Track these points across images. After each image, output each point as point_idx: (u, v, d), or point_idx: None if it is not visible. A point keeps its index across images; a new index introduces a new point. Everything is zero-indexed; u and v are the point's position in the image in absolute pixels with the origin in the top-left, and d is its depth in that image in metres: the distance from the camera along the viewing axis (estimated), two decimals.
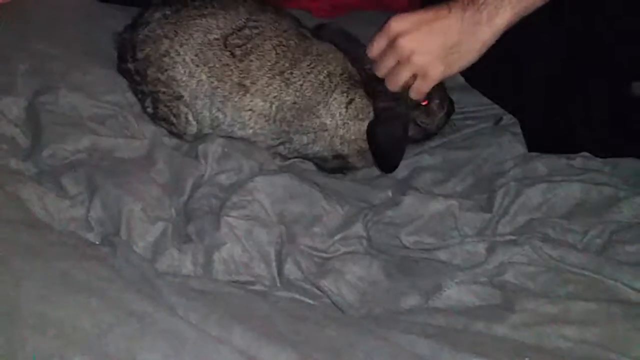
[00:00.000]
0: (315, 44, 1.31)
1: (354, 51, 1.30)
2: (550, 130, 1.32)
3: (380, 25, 1.23)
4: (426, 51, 1.19)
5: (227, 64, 1.26)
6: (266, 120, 1.27)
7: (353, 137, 1.29)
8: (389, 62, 1.22)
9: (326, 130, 1.28)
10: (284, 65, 1.27)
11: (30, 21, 1.38)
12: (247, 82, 1.26)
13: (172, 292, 0.94)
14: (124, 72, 1.32)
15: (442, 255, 1.12)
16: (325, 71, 1.28)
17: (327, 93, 1.27)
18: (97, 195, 1.10)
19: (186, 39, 1.27)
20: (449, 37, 1.18)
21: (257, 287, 1.05)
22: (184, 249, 1.07)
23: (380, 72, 1.23)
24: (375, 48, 1.22)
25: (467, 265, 1.10)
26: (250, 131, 1.28)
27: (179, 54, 1.27)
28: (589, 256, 1.08)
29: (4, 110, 1.21)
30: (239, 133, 1.28)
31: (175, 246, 1.07)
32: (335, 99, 1.28)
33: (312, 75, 1.27)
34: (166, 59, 1.27)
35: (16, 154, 1.17)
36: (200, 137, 1.28)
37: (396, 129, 1.25)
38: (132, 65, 1.30)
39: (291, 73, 1.27)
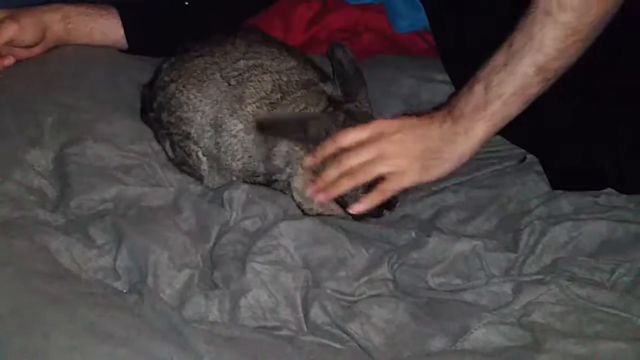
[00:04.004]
0: (311, 84, 1.32)
1: (347, 85, 1.30)
2: (573, 167, 1.32)
3: (402, 69, 1.25)
4: (407, 153, 1.21)
5: (225, 91, 1.30)
6: (249, 154, 1.29)
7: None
8: (366, 157, 1.22)
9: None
10: (275, 97, 1.29)
11: (56, 74, 1.41)
12: (237, 106, 1.29)
13: (199, 339, 0.94)
14: (146, 121, 1.37)
15: (468, 296, 1.11)
16: (298, 109, 1.28)
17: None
18: (124, 244, 1.11)
19: (187, 79, 1.32)
20: (431, 143, 1.20)
21: (284, 333, 1.05)
22: (211, 295, 1.07)
23: (354, 161, 1.22)
24: (353, 137, 1.23)
25: (494, 306, 1.09)
26: (240, 163, 1.30)
27: (182, 94, 1.31)
28: (617, 295, 1.07)
29: (32, 162, 1.24)
30: (233, 165, 1.30)
31: (201, 293, 1.07)
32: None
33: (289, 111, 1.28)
34: (173, 101, 1.32)
35: (44, 205, 1.19)
36: (213, 174, 1.32)
37: None
38: (152, 114, 1.35)
39: (275, 107, 1.28)
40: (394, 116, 1.28)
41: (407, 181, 1.22)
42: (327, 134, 1.24)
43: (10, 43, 1.40)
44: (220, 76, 1.31)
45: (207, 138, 1.30)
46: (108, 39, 1.49)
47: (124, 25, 1.48)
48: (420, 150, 1.21)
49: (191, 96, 1.31)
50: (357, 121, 1.25)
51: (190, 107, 1.31)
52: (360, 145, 1.22)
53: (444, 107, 1.23)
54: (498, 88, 1.16)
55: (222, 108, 1.29)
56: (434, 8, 1.49)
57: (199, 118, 1.31)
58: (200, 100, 1.30)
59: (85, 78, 1.41)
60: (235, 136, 1.29)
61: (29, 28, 1.40)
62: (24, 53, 1.43)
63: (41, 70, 1.41)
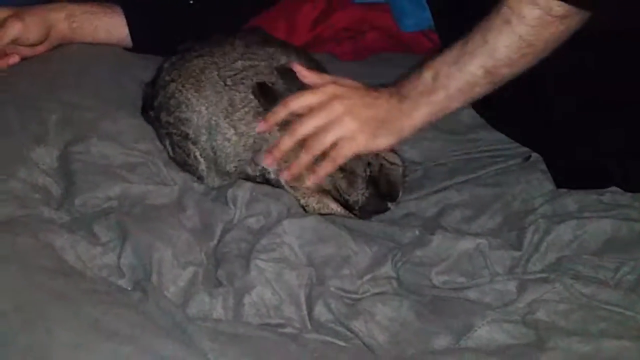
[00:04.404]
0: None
1: None
2: (578, 166, 1.31)
3: (407, 68, 1.25)
4: (358, 117, 1.22)
5: (220, 92, 1.29)
6: (239, 158, 1.29)
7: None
8: (318, 121, 1.23)
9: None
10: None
11: (60, 72, 1.42)
12: (230, 109, 1.28)
13: (204, 337, 0.94)
14: (147, 120, 1.37)
15: (472, 294, 1.11)
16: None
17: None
18: (128, 241, 1.11)
19: (186, 79, 1.31)
20: (379, 112, 1.23)
21: (288, 330, 1.05)
22: (215, 293, 1.07)
23: (306, 128, 1.23)
24: (304, 101, 1.24)
25: (498, 304, 1.09)
26: (232, 166, 1.30)
27: (182, 94, 1.31)
28: (621, 293, 1.07)
29: (37, 160, 1.24)
30: (227, 167, 1.30)
31: (205, 291, 1.07)
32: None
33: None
34: (172, 101, 1.32)
35: (49, 202, 1.20)
36: (212, 174, 1.31)
37: None
38: (152, 113, 1.35)
39: (259, 112, 1.27)
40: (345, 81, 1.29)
41: (357, 146, 1.23)
42: None
43: (14, 41, 1.41)
44: (218, 76, 1.30)
45: (203, 140, 1.30)
46: (112, 38, 1.49)
47: (129, 24, 1.48)
48: (369, 116, 1.23)
49: (190, 96, 1.31)
50: None
51: (189, 107, 1.31)
52: (312, 110, 1.23)
53: (393, 85, 1.26)
54: (445, 80, 1.20)
55: (217, 110, 1.29)
56: (439, 7, 1.49)
57: (196, 119, 1.30)
58: (198, 100, 1.30)
59: (90, 76, 1.42)
60: (228, 140, 1.29)
61: (33, 26, 1.41)
62: (28, 51, 1.44)
63: (45, 69, 1.42)
